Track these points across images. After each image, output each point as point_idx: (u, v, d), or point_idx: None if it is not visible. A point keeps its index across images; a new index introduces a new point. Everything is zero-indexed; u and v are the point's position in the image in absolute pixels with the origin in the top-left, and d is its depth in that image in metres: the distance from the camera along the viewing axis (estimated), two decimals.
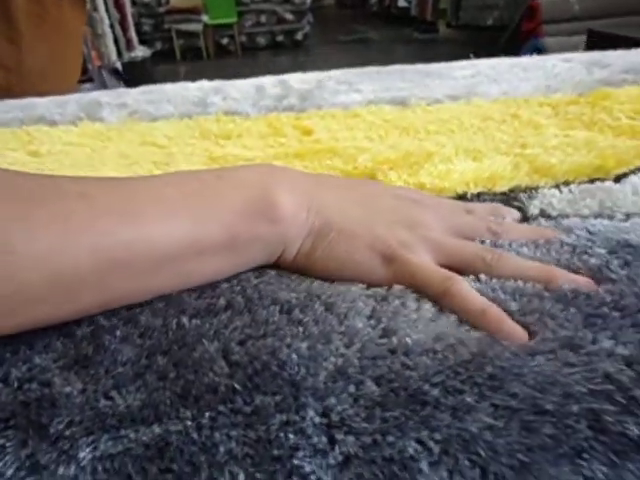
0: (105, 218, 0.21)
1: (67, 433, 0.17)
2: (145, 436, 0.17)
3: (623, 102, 0.47)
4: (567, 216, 0.30)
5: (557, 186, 0.32)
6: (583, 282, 0.23)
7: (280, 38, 5.76)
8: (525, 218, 0.30)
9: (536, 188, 0.33)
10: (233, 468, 0.17)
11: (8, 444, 0.17)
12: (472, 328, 0.20)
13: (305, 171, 0.30)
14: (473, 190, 0.34)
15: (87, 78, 2.37)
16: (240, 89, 0.60)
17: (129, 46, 3.08)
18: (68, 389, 0.18)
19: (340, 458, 0.18)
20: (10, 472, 0.17)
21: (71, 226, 0.20)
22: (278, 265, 0.25)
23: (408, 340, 0.19)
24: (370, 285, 0.23)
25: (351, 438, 0.18)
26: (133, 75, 3.56)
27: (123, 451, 0.17)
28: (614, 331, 0.20)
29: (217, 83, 0.63)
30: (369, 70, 0.64)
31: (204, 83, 0.64)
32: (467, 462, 0.17)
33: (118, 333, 0.20)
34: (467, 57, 0.70)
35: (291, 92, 0.58)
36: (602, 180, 0.34)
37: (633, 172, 0.35)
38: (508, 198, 0.33)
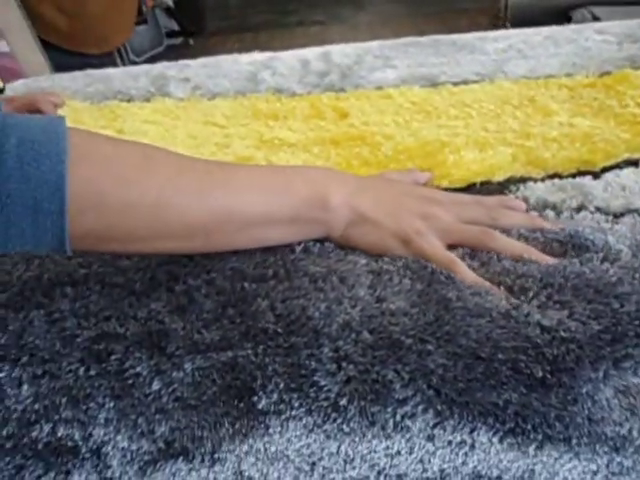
0: (218, 190, 0.32)
1: (177, 352, 0.28)
2: (223, 357, 0.28)
3: (637, 86, 0.51)
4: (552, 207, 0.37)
5: (543, 179, 0.39)
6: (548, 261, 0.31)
7: None
8: None
9: (527, 179, 0.40)
10: (277, 380, 0.28)
11: (143, 357, 0.28)
12: (431, 296, 0.29)
13: (352, 175, 0.39)
14: (476, 179, 0.41)
15: (142, 20, 2.43)
16: (286, 63, 0.67)
17: None
18: (174, 325, 0.29)
19: (344, 378, 0.28)
20: (145, 373, 0.28)
21: (198, 192, 0.31)
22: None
23: (393, 306, 0.28)
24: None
25: (351, 366, 0.28)
26: (184, 11, 3.57)
27: (210, 366, 0.28)
28: (544, 308, 0.28)
29: (266, 56, 0.70)
30: (405, 42, 0.69)
31: (255, 56, 0.71)
32: (425, 386, 0.27)
33: (203, 291, 0.31)
34: None
35: (333, 68, 0.64)
36: (587, 173, 0.40)
37: (618, 166, 0.41)
38: (502, 187, 0.40)
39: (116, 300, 0.31)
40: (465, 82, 0.57)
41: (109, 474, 0.28)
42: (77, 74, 0.73)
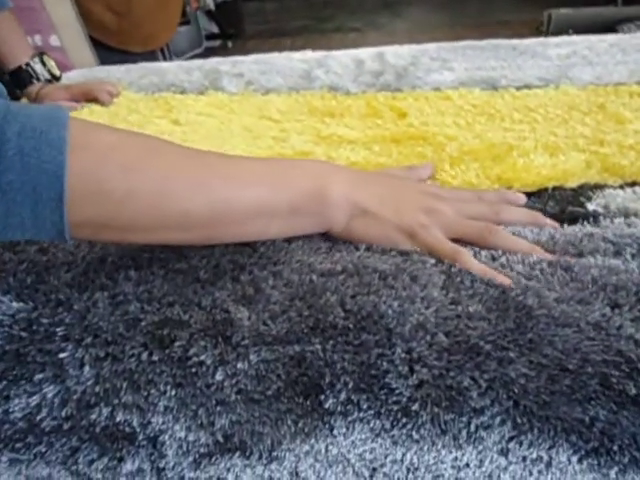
0: (218, 181, 0.31)
1: (242, 343, 0.27)
2: (290, 351, 0.27)
3: None
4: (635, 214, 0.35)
5: (622, 186, 0.37)
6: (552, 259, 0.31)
7: None
8: (586, 213, 0.36)
9: (603, 186, 0.38)
10: (346, 378, 0.26)
11: (207, 345, 0.27)
12: (512, 301, 0.28)
13: (355, 169, 0.38)
14: (548, 184, 0.39)
15: (185, 21, 2.48)
16: (341, 62, 0.66)
17: None
18: (240, 315, 0.28)
19: (416, 382, 0.26)
20: (208, 362, 0.27)
21: (198, 184, 0.30)
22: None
23: (470, 309, 0.27)
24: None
25: (425, 370, 0.26)
26: (224, 14, 3.63)
27: (276, 359, 0.27)
28: (638, 322, 0.26)
29: (319, 55, 0.70)
30: (462, 45, 0.67)
31: (308, 54, 0.70)
32: (504, 396, 0.25)
33: (270, 282, 0.30)
34: None
35: (387, 68, 0.63)
36: None
37: None
38: (576, 194, 0.38)
39: (180, 286, 0.30)
40: (528, 87, 0.56)
41: (162, 464, 0.28)
42: (131, 66, 0.74)
